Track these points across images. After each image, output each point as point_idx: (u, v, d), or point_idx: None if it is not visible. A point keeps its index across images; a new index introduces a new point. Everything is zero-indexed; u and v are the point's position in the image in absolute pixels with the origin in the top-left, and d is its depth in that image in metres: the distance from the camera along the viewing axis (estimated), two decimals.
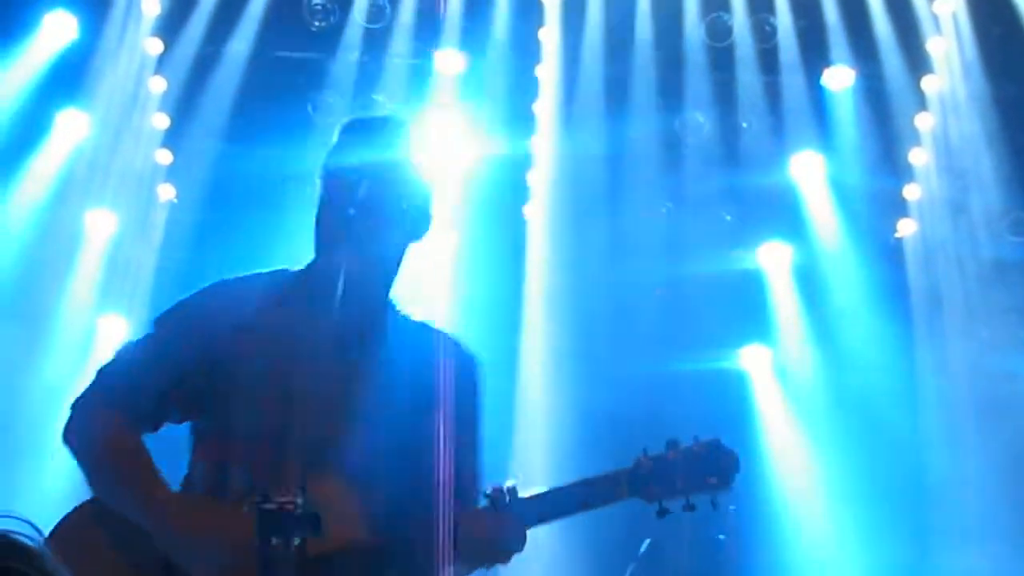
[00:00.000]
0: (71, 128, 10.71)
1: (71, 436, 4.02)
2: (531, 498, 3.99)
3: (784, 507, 11.09)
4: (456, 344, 4.19)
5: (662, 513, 4.00)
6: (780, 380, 11.46)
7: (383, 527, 3.85)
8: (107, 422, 4.00)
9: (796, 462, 11.26)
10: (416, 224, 4.10)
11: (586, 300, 11.05)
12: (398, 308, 4.18)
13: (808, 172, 11.26)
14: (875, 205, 11.30)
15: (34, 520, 2.09)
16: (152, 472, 3.95)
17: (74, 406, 4.05)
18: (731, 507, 10.78)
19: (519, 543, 3.94)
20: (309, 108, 10.67)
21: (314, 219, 4.07)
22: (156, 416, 4.07)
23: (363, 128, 4.20)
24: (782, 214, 11.33)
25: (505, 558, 3.96)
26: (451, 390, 4.01)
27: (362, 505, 3.80)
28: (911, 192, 11.28)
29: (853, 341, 11.06)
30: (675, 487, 3.99)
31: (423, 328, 4.20)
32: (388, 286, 4.13)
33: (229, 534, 3.73)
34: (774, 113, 11.07)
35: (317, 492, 3.15)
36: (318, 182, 4.09)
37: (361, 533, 3.81)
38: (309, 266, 4.13)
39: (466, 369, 4.17)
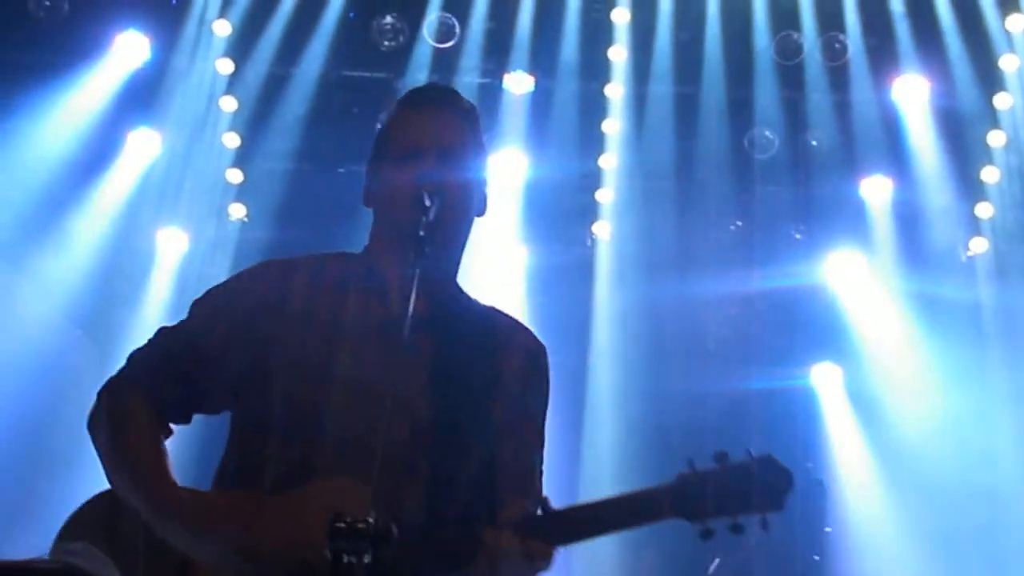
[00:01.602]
0: (143, 147, 10.81)
1: (92, 424, 3.84)
2: (561, 513, 3.56)
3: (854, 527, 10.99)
4: (521, 330, 4.06)
5: (706, 535, 3.44)
6: (851, 399, 11.36)
7: (412, 522, 3.56)
8: (128, 412, 3.81)
9: (865, 481, 11.18)
10: (480, 205, 4.01)
11: (655, 318, 11.02)
12: (464, 293, 4.03)
13: (878, 191, 11.19)
14: (946, 223, 11.17)
15: None
16: (161, 469, 3.72)
17: (100, 393, 3.86)
18: (827, 529, 10.91)
19: (544, 562, 3.50)
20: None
21: (377, 207, 3.95)
22: (187, 405, 3.86)
23: (422, 106, 4.01)
24: (852, 231, 11.24)
25: (529, 572, 3.51)
26: (512, 376, 3.89)
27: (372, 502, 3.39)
28: (983, 210, 11.16)
29: (924, 358, 10.97)
30: (723, 506, 3.43)
31: (489, 313, 4.05)
32: (456, 271, 4.01)
33: (248, 531, 3.55)
34: (844, 130, 11.01)
35: (342, 485, 3.13)
36: (379, 171, 3.95)
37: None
38: (368, 253, 3.98)
39: (530, 356, 4.00)
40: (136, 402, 3.80)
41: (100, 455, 3.79)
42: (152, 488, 3.70)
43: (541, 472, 3.91)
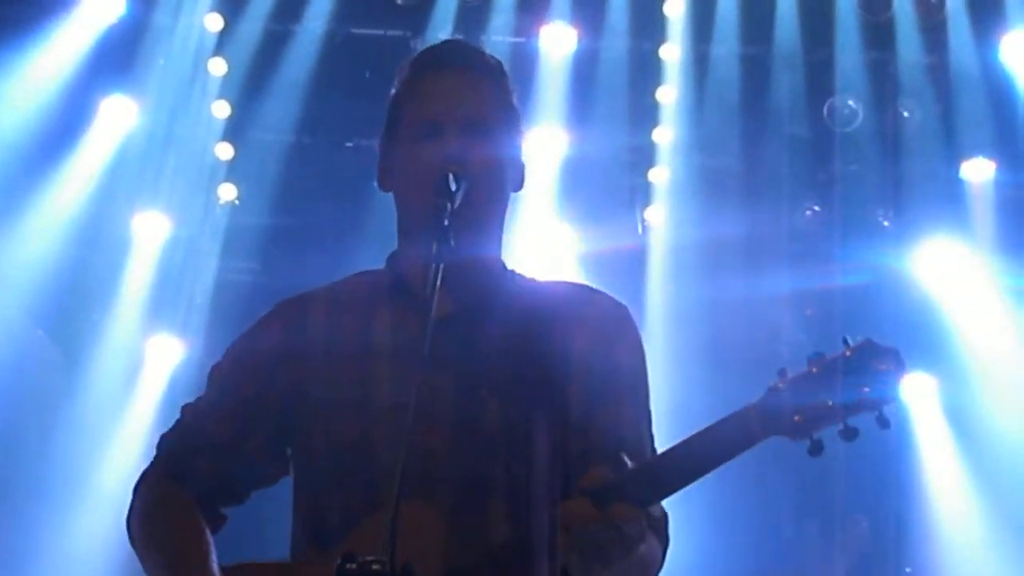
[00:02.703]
0: (118, 117, 10.43)
1: (128, 521, 3.68)
2: (639, 469, 3.26)
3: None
4: (592, 296, 3.74)
5: (815, 449, 3.16)
6: (947, 415, 10.77)
7: (475, 546, 3.38)
8: (162, 502, 3.66)
9: (963, 510, 10.61)
10: (516, 178, 3.72)
11: (717, 316, 10.60)
12: (515, 274, 3.74)
13: (980, 171, 10.61)
14: None
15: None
16: (197, 560, 3.50)
17: (135, 488, 3.72)
18: (907, 570, 10.74)
19: (632, 526, 3.20)
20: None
21: (395, 192, 3.68)
22: (231, 481, 3.68)
23: (440, 69, 3.69)
24: (949, 217, 10.59)
25: (622, 547, 3.21)
26: (585, 349, 3.54)
27: (450, 529, 3.36)
28: None
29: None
30: (824, 410, 3.15)
31: (547, 289, 3.75)
32: (498, 253, 3.74)
33: None
34: (941, 99, 10.55)
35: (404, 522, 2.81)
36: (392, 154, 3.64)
37: (441, 562, 3.35)
38: (393, 257, 3.73)
39: (607, 321, 3.67)
40: (170, 490, 3.71)
41: (136, 552, 3.66)
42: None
43: (649, 437, 3.59)
